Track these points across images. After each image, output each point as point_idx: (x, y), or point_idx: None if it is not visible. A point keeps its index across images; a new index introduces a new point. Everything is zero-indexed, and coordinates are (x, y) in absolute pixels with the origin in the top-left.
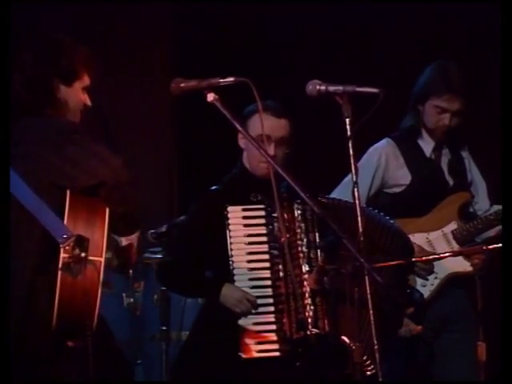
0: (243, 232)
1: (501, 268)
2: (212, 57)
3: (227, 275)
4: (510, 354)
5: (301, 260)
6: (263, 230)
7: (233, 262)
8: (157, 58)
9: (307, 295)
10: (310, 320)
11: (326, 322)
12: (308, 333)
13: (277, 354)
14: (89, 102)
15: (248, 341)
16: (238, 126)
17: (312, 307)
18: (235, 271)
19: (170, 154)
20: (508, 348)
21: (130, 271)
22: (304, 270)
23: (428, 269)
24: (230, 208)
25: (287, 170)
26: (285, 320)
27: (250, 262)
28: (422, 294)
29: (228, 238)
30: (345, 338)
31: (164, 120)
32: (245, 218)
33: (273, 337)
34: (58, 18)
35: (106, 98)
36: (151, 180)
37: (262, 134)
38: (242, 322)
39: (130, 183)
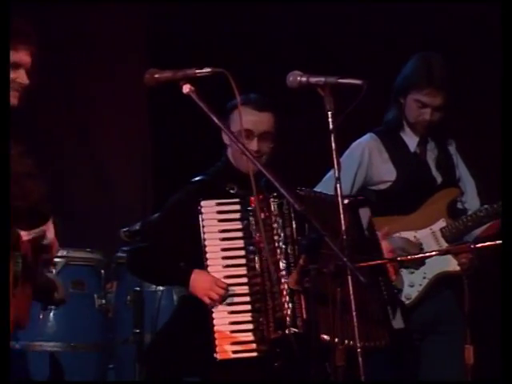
0: (217, 227)
1: (501, 268)
2: (189, 47)
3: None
4: (509, 355)
5: (278, 256)
6: (238, 225)
7: (207, 258)
8: (131, 46)
9: (285, 293)
10: (288, 319)
11: (304, 320)
12: (286, 332)
13: (254, 354)
14: (24, 80)
15: (223, 341)
16: (214, 118)
17: (290, 305)
18: (210, 268)
19: (144, 149)
20: (508, 349)
21: (102, 271)
22: (281, 267)
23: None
24: (203, 203)
25: (267, 166)
26: (262, 319)
27: (224, 258)
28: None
29: (202, 233)
30: (324, 336)
31: (138, 114)
32: (219, 212)
33: (249, 337)
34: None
35: (79, 88)
36: (124, 176)
37: (241, 129)
38: (216, 321)
39: (29, 175)
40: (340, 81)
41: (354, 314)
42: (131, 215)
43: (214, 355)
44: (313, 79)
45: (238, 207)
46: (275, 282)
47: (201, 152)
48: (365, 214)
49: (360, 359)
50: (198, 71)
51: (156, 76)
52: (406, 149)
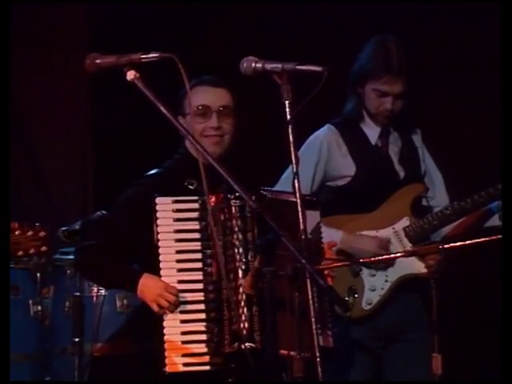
0: (173, 227)
1: (501, 267)
2: (135, 31)
3: (153, 272)
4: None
5: (237, 263)
6: (196, 226)
7: (160, 261)
8: (70, 32)
9: (243, 303)
10: (244, 332)
11: (262, 334)
12: (242, 347)
13: (206, 367)
14: None
15: (173, 353)
16: (161, 108)
17: (248, 317)
18: (162, 272)
19: (85, 142)
20: (507, 350)
21: (38, 274)
22: (240, 275)
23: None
24: (158, 199)
25: (218, 159)
26: (216, 330)
27: (179, 261)
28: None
29: (155, 233)
30: (283, 352)
31: (78, 105)
32: (176, 211)
33: (202, 348)
34: None
35: (14, 78)
36: (62, 172)
37: (195, 105)
38: (167, 330)
39: None
40: (298, 67)
41: (313, 320)
42: (70, 213)
43: (163, 368)
44: (269, 65)
45: (196, 206)
46: (233, 291)
47: (146, 147)
48: (314, 217)
49: (319, 369)
50: (143, 56)
51: (98, 61)
52: (366, 141)
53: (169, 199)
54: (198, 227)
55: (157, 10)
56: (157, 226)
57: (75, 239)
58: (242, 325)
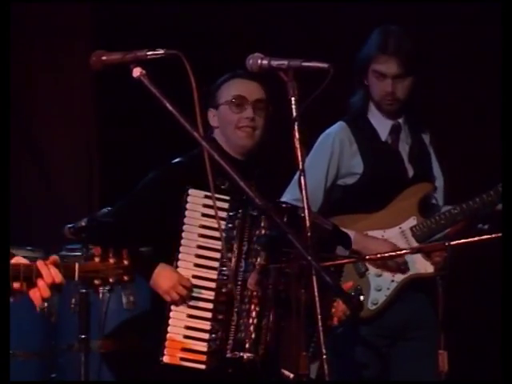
0: (199, 222)
1: (502, 266)
2: (139, 28)
3: (169, 261)
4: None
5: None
6: (222, 226)
7: (179, 252)
8: (75, 29)
9: (254, 314)
10: (248, 342)
11: (267, 348)
12: (244, 357)
13: (202, 366)
14: None
15: (173, 344)
16: (168, 105)
17: (255, 329)
18: (180, 263)
19: (90, 139)
20: (507, 350)
21: None
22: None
23: (402, 263)
24: (191, 191)
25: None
26: (220, 333)
27: (198, 256)
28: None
29: (181, 223)
30: (285, 372)
31: (84, 103)
32: (205, 206)
33: (202, 347)
34: None
35: (20, 76)
36: (69, 169)
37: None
38: (172, 321)
39: None
40: (304, 64)
41: (320, 317)
42: (76, 210)
43: (160, 358)
44: (275, 62)
45: (226, 205)
46: (246, 300)
47: (152, 144)
48: None
49: (326, 367)
50: (149, 53)
51: (103, 58)
52: (375, 138)
53: (202, 193)
54: (223, 227)
55: (161, 6)
56: (184, 216)
57: (81, 236)
58: (248, 334)
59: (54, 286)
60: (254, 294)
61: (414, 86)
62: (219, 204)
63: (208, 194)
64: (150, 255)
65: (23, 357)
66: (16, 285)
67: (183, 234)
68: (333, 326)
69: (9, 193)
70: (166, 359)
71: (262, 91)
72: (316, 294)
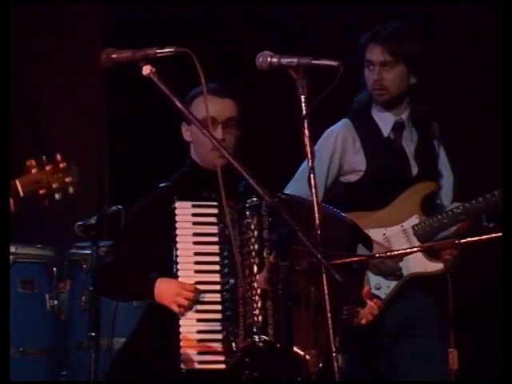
0: (191, 231)
1: (502, 265)
2: (149, 26)
3: (170, 275)
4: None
5: (252, 259)
6: (214, 230)
7: (178, 263)
8: (84, 27)
9: (257, 298)
10: (258, 326)
11: (276, 328)
12: (256, 340)
13: (221, 366)
14: None
15: (190, 350)
16: (177, 103)
17: (261, 312)
18: (180, 273)
19: (101, 137)
20: (507, 349)
21: (54, 269)
22: (255, 271)
23: (396, 269)
24: (178, 203)
25: (236, 158)
26: (231, 328)
27: (197, 263)
28: None
29: (174, 236)
30: (297, 350)
31: (94, 100)
32: (194, 215)
33: (217, 347)
34: None
35: (30, 73)
36: (78, 166)
37: (207, 115)
38: (183, 328)
39: None
40: (314, 62)
41: (329, 315)
42: (86, 208)
43: (180, 365)
44: (285, 60)
45: (214, 210)
46: (247, 287)
47: (161, 141)
48: None
49: (335, 364)
50: (159, 51)
51: (113, 56)
52: (378, 134)
53: (188, 203)
54: (215, 231)
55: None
56: (175, 229)
57: (91, 233)
58: (255, 318)
59: None
60: (256, 285)
61: (406, 77)
62: (208, 210)
63: (195, 203)
64: (149, 276)
65: (34, 354)
66: None
67: (178, 245)
68: (360, 325)
69: (9, 193)
70: (184, 365)
71: (233, 108)
72: (326, 291)
